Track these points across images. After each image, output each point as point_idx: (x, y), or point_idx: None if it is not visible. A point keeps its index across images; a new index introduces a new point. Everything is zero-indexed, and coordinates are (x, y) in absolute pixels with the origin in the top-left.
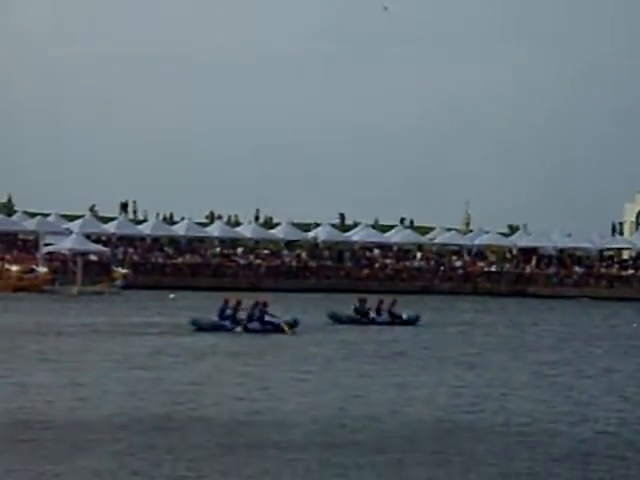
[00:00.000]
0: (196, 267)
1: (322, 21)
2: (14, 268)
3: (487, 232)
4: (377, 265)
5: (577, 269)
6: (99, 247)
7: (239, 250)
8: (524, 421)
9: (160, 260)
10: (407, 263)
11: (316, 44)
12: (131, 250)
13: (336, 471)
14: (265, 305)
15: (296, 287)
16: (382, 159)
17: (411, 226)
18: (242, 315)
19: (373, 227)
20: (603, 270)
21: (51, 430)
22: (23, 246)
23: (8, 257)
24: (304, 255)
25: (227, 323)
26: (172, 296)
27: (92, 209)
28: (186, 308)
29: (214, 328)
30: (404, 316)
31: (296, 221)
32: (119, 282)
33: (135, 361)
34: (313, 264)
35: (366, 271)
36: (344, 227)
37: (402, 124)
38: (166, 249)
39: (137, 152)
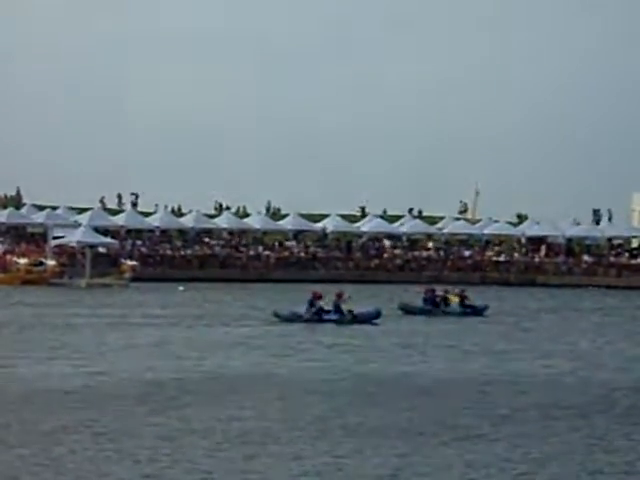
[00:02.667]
0: (205, 259)
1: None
2: (23, 261)
3: (496, 221)
4: (386, 255)
5: (586, 258)
6: (108, 240)
7: (240, 242)
8: None
9: (169, 252)
10: (416, 253)
11: (305, 28)
12: (139, 242)
13: None
14: (340, 297)
15: (305, 278)
16: (389, 149)
17: (419, 216)
18: (325, 307)
19: (382, 217)
20: (612, 259)
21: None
22: (32, 239)
23: (17, 250)
24: (313, 246)
25: (305, 314)
26: (181, 288)
27: (102, 201)
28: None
29: (291, 319)
30: (475, 306)
31: (304, 212)
32: (127, 274)
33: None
34: (322, 255)
35: (375, 261)
36: (355, 218)
37: (407, 113)
38: (174, 241)
39: (145, 144)
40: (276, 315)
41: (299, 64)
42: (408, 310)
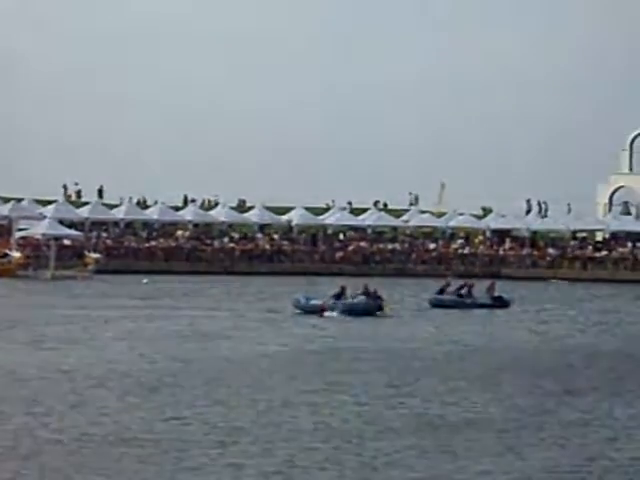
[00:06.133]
0: (170, 251)
1: None
2: None
3: (461, 214)
4: (351, 248)
5: (551, 251)
6: (72, 232)
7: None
8: None
9: (133, 244)
10: (381, 246)
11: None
12: (104, 235)
13: None
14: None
15: (270, 270)
16: (354, 140)
17: (384, 209)
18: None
19: (346, 210)
20: (577, 252)
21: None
22: None
23: None
24: (278, 238)
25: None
26: (145, 281)
27: (66, 190)
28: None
29: (311, 311)
30: (503, 298)
31: (270, 204)
32: (91, 266)
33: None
34: (287, 247)
35: (340, 254)
36: (318, 210)
37: (374, 103)
38: (139, 233)
39: (110, 135)
40: (296, 306)
41: (264, 55)
42: (438, 304)
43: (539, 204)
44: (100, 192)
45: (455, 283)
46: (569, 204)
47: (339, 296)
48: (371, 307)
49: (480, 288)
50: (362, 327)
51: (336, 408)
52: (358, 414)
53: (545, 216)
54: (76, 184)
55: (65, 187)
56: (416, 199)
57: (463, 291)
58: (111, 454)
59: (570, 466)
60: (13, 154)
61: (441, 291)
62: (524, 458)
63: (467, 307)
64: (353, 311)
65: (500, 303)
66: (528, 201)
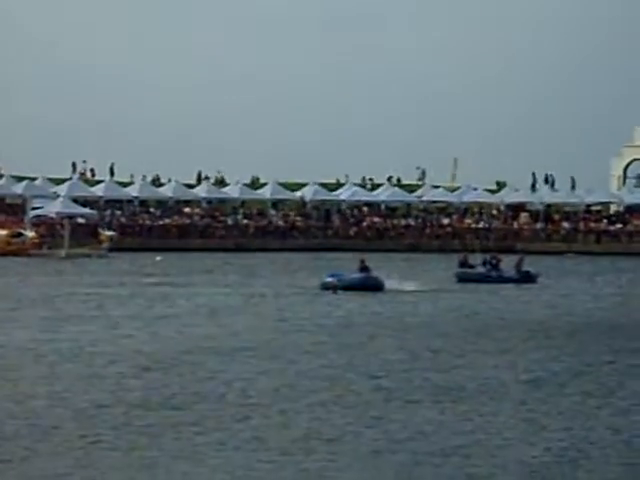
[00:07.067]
0: (183, 228)
1: None
2: (2, 232)
3: (475, 189)
4: (365, 223)
5: (565, 224)
6: (86, 210)
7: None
8: None
9: (147, 222)
10: (395, 221)
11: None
12: (118, 212)
13: None
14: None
15: (284, 247)
16: (367, 116)
17: (398, 184)
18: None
19: (360, 185)
20: (591, 225)
21: None
22: (10, 210)
23: None
24: (292, 215)
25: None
26: (158, 258)
27: (92, 170)
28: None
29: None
30: (531, 273)
31: (283, 181)
32: (106, 244)
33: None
34: (301, 223)
35: (354, 229)
36: (331, 186)
37: (388, 82)
38: (153, 211)
39: (123, 114)
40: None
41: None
42: (465, 278)
43: (546, 177)
44: (112, 170)
45: (474, 257)
46: (572, 177)
47: (364, 269)
48: (372, 283)
49: (507, 262)
50: (386, 302)
51: (354, 382)
52: (376, 387)
53: (554, 189)
54: (84, 162)
55: (74, 165)
56: (423, 173)
57: (493, 262)
58: (128, 429)
59: (589, 437)
60: (27, 133)
61: (462, 264)
62: (543, 429)
63: (494, 282)
64: (354, 286)
65: (527, 278)
66: (534, 174)
